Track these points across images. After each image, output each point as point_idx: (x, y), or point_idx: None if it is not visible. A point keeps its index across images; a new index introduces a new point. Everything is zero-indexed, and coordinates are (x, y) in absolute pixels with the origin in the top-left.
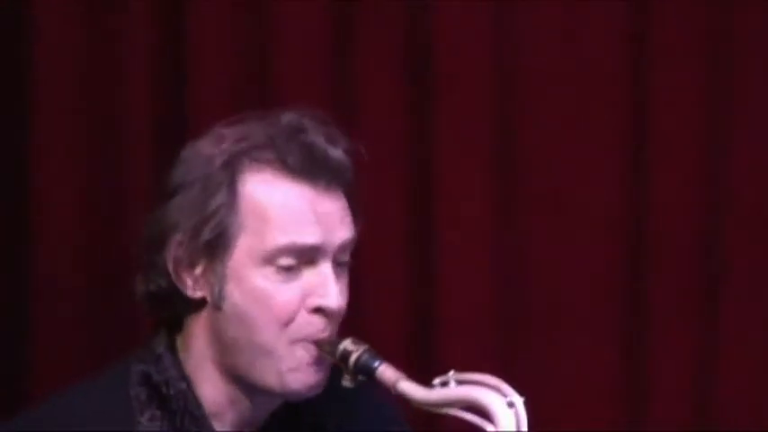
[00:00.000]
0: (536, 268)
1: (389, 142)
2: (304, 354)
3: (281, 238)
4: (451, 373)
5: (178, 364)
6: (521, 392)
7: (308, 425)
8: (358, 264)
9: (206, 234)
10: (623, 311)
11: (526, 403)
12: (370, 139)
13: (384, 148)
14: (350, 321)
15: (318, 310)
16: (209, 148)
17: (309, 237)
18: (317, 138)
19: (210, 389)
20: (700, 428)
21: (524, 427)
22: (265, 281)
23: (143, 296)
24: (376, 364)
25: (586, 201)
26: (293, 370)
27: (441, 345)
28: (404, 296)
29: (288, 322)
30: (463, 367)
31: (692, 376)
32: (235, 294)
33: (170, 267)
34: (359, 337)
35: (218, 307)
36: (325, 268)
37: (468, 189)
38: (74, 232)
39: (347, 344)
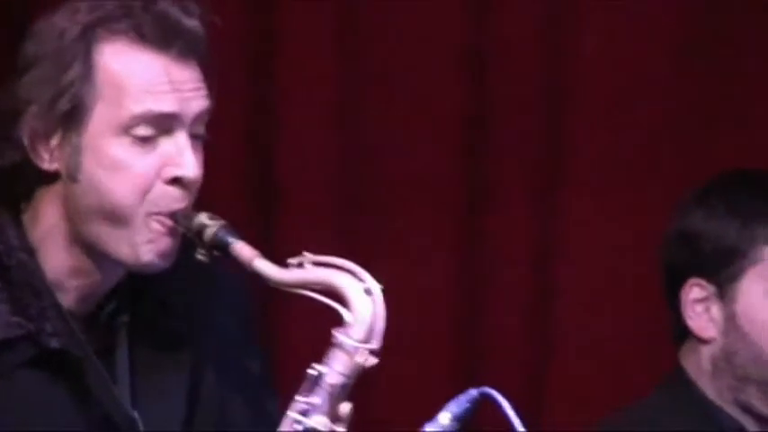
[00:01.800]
0: (378, 148)
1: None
2: (159, 227)
3: (137, 107)
4: (306, 254)
5: (22, 236)
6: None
7: (149, 297)
8: None
9: (62, 106)
10: (466, 192)
11: (384, 291)
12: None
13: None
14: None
15: (175, 181)
16: (62, 21)
17: (165, 105)
18: (170, 7)
19: (56, 260)
20: (541, 301)
21: (381, 314)
22: (122, 151)
23: None
24: (231, 240)
25: (426, 83)
26: (147, 242)
27: (282, 223)
28: (244, 171)
29: (144, 193)
30: (305, 246)
31: (532, 257)
32: (91, 165)
33: (26, 140)
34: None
35: (73, 179)
36: (182, 138)
37: (310, 68)
38: None
39: (203, 218)
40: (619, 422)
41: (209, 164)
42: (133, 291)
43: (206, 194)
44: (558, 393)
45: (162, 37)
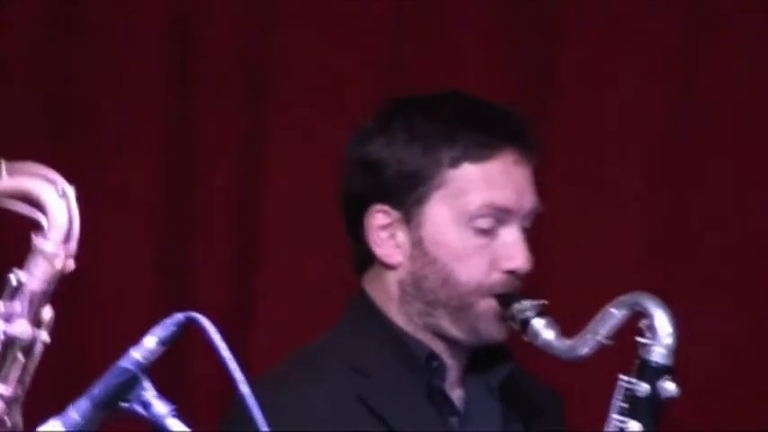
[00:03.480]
0: (89, 60)
1: None
2: None
3: None
4: (2, 163)
5: None
6: (71, 181)
7: None
8: None
9: None
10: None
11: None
12: None
13: None
14: None
15: None
16: None
17: None
18: None
19: None
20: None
21: (76, 216)
22: None
23: None
24: None
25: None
26: None
27: None
28: None
29: None
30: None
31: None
32: None
33: None
34: None
35: None
36: None
37: None
38: None
39: None
40: (308, 352)
41: None
42: None
43: None
44: (265, 317)
45: None
